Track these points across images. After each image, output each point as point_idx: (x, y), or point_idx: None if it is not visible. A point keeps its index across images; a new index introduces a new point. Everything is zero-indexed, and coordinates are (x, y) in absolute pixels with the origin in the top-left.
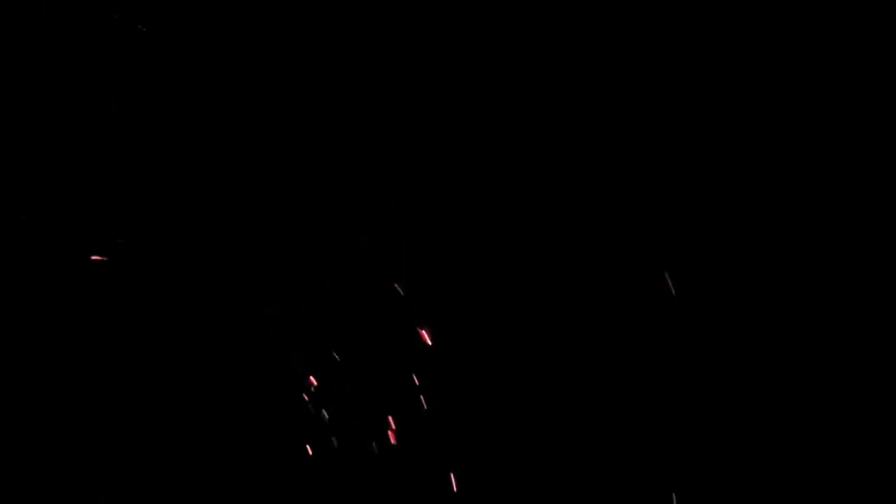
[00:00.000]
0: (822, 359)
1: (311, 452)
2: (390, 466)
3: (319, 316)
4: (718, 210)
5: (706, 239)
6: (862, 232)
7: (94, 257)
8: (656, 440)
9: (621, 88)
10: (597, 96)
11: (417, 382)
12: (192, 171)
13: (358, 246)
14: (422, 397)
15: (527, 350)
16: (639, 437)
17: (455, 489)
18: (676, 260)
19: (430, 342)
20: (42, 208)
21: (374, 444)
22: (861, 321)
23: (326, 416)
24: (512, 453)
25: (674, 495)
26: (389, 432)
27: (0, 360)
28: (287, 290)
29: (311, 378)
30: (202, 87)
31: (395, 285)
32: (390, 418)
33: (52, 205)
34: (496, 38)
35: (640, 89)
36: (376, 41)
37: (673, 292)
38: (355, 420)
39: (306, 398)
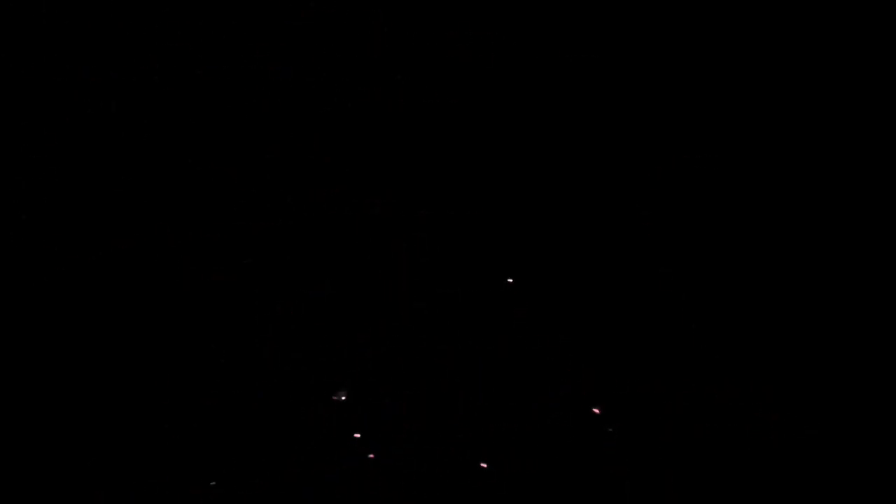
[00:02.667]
0: (822, 359)
1: (310, 452)
2: (390, 466)
3: (319, 316)
4: (718, 210)
5: (706, 239)
6: (862, 232)
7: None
8: (656, 440)
9: (621, 88)
10: (597, 96)
11: (417, 382)
12: (192, 171)
13: (358, 246)
14: (422, 398)
15: (527, 350)
16: (639, 437)
17: (456, 488)
18: (676, 260)
19: (429, 343)
20: (42, 208)
21: (374, 444)
22: (861, 321)
23: (326, 416)
24: (512, 453)
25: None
26: (391, 432)
27: (0, 360)
28: (287, 290)
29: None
30: (202, 87)
31: (398, 285)
32: (391, 418)
33: (52, 205)
34: (496, 38)
35: (640, 89)
36: (375, 41)
37: (671, 293)
38: (355, 420)
39: (306, 399)
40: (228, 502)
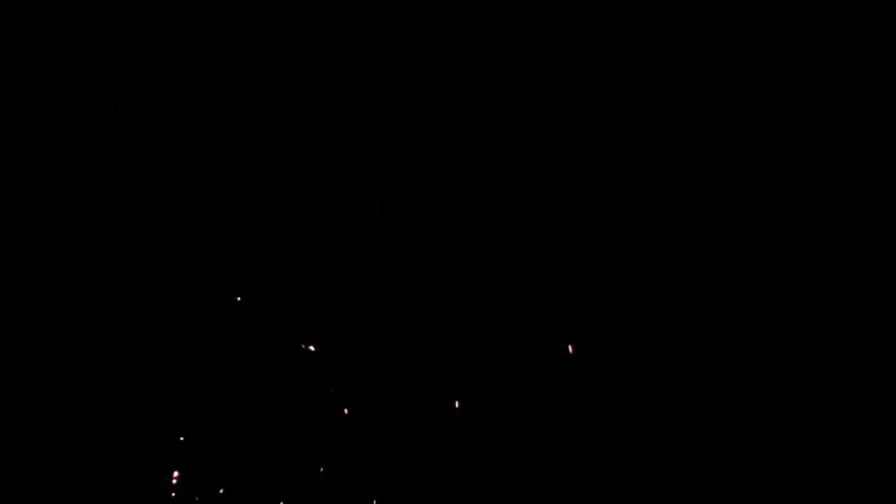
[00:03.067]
0: (822, 359)
1: (310, 452)
2: (389, 467)
3: (319, 316)
4: (718, 210)
5: (706, 239)
6: (862, 232)
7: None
8: (656, 440)
9: (621, 88)
10: (597, 96)
11: (417, 382)
12: (192, 171)
13: (358, 246)
14: (422, 398)
15: (527, 350)
16: (639, 437)
17: (456, 488)
18: (676, 260)
19: (430, 342)
20: (42, 208)
21: (374, 444)
22: (861, 321)
23: (326, 416)
24: (511, 454)
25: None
26: (390, 433)
27: (0, 361)
28: (287, 290)
29: (310, 348)
30: (202, 87)
31: (398, 285)
32: (391, 418)
33: (52, 205)
34: (496, 37)
35: (640, 89)
36: (375, 41)
37: (671, 293)
38: (355, 420)
39: (305, 398)
40: (229, 502)
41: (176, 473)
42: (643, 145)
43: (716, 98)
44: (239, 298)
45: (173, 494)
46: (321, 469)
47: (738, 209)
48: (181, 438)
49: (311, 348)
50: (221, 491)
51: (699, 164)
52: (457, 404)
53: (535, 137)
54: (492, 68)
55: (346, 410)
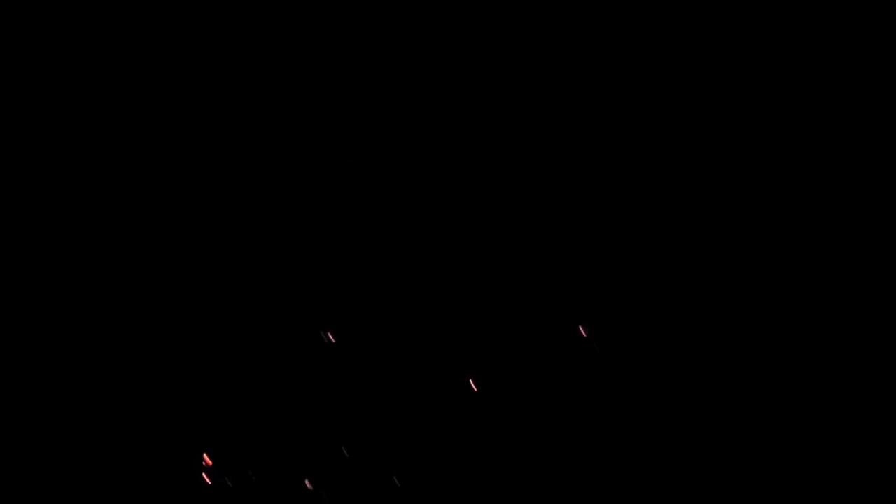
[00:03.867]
0: (822, 359)
1: (311, 453)
2: (389, 468)
3: (319, 316)
4: (718, 210)
5: (706, 239)
6: (862, 232)
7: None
8: (656, 440)
9: (621, 88)
10: (597, 96)
11: (418, 383)
12: (193, 171)
13: (358, 246)
14: (422, 397)
15: (527, 350)
16: (639, 437)
17: (457, 488)
18: (676, 260)
19: (430, 342)
20: (42, 208)
21: (374, 444)
22: (861, 321)
23: (327, 416)
24: (511, 454)
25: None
26: (389, 433)
27: (0, 361)
28: (287, 290)
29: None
30: (203, 87)
31: (397, 286)
32: (390, 419)
33: (52, 205)
34: (496, 37)
35: (640, 89)
36: (377, 41)
37: (671, 293)
38: (356, 420)
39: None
40: (228, 502)
41: (176, 472)
42: (643, 145)
43: (716, 98)
44: (240, 299)
45: (173, 494)
46: (322, 469)
47: (739, 209)
48: (181, 438)
49: (312, 348)
50: (221, 491)
51: (699, 164)
52: (459, 401)
53: (536, 137)
54: (492, 68)
55: (346, 410)
